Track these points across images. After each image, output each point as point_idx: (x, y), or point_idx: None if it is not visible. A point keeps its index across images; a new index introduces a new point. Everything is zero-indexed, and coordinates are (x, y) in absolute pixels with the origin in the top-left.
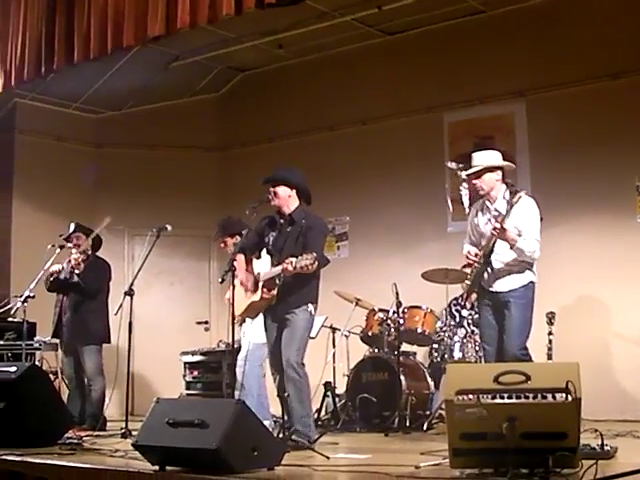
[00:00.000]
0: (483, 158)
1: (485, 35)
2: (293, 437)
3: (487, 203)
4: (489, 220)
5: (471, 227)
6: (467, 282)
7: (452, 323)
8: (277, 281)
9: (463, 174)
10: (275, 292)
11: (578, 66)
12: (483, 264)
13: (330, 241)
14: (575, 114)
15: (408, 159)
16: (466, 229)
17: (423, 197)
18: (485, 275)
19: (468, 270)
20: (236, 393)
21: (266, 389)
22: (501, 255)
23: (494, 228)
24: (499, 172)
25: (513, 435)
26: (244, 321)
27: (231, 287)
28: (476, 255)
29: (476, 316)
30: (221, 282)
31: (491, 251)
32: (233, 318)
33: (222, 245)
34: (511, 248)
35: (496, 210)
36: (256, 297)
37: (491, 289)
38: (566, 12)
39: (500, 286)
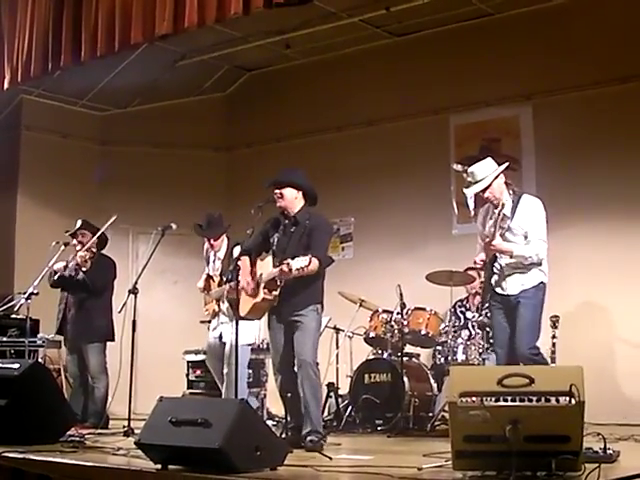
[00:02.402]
0: (483, 170)
1: (493, 38)
2: (310, 438)
3: (492, 207)
4: (493, 225)
5: (479, 234)
6: (480, 287)
7: (456, 325)
8: (278, 282)
9: (470, 191)
10: (277, 293)
11: (585, 70)
12: (489, 269)
13: (335, 242)
14: (582, 118)
15: (414, 161)
16: (471, 231)
17: (428, 199)
18: (495, 278)
19: (472, 273)
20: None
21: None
22: (506, 258)
23: (486, 243)
24: (502, 176)
25: (516, 438)
26: (216, 315)
27: (204, 277)
28: (483, 262)
29: (480, 318)
30: (226, 281)
31: (494, 258)
32: (237, 320)
33: (215, 241)
34: (511, 258)
35: (504, 214)
36: (258, 298)
37: (503, 292)
38: (574, 16)
39: (511, 288)
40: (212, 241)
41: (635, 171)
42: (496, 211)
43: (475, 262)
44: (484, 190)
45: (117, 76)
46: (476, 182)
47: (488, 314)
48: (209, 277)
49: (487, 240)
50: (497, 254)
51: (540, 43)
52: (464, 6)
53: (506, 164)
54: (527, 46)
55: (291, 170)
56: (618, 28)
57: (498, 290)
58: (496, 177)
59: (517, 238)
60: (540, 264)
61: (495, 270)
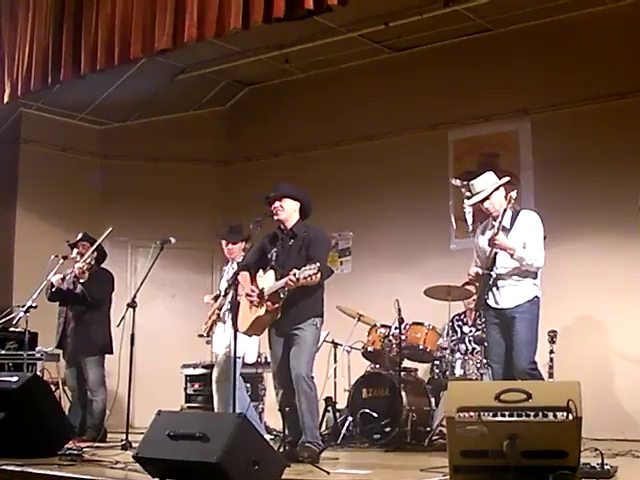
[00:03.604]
0: (483, 182)
1: (491, 53)
2: (306, 446)
3: (491, 221)
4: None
5: (476, 248)
6: (473, 299)
7: (453, 338)
8: (281, 295)
9: (470, 202)
10: (279, 306)
11: (583, 85)
12: (486, 279)
13: (333, 256)
14: (580, 133)
15: (412, 176)
16: (469, 246)
17: (427, 214)
18: (490, 292)
19: (470, 288)
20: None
21: (249, 403)
22: (503, 268)
23: (490, 238)
24: (502, 189)
25: (514, 453)
26: (214, 325)
27: (213, 295)
28: (476, 274)
29: (477, 333)
30: (224, 295)
31: (493, 264)
32: (236, 332)
33: (234, 245)
34: (511, 257)
35: (503, 226)
36: (261, 312)
37: (497, 306)
38: (572, 31)
39: (506, 302)
40: (230, 245)
41: (633, 186)
42: (495, 223)
43: (469, 274)
44: (483, 201)
45: (116, 90)
46: (476, 194)
47: (483, 328)
48: (216, 298)
49: (491, 236)
50: (494, 265)
51: (538, 58)
52: (463, 21)
53: (507, 178)
54: (525, 61)
55: (286, 184)
56: (616, 44)
57: (492, 304)
58: (496, 189)
59: None
60: (536, 275)
61: (489, 282)
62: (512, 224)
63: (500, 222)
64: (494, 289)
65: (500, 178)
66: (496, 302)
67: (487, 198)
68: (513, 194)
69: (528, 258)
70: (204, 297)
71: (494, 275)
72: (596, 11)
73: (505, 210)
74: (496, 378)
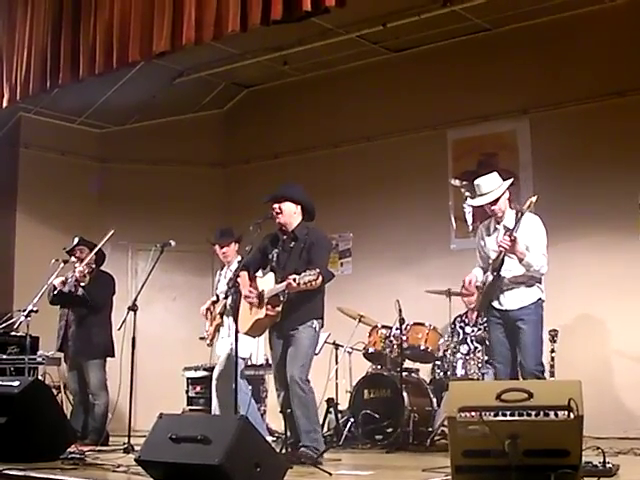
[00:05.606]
0: (490, 183)
1: (490, 53)
2: (302, 451)
3: (494, 223)
4: (497, 238)
5: (479, 249)
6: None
7: (455, 340)
8: (281, 298)
9: (476, 203)
10: (279, 309)
11: (582, 84)
12: (494, 281)
13: (333, 257)
14: (579, 131)
15: (412, 176)
16: (469, 246)
17: (427, 214)
18: (492, 293)
19: (466, 299)
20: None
21: (254, 406)
22: (509, 271)
23: (502, 241)
24: (507, 191)
25: (515, 452)
26: (217, 330)
27: (208, 303)
28: (469, 283)
29: (479, 332)
30: (224, 298)
31: (501, 266)
32: (236, 333)
33: (227, 247)
34: (520, 262)
35: (505, 227)
36: (261, 314)
37: (501, 308)
38: (570, 30)
39: (510, 304)
40: (225, 248)
41: (633, 185)
42: (499, 227)
43: (465, 282)
44: (492, 203)
45: (115, 93)
46: (482, 195)
47: (485, 327)
48: (214, 303)
49: (508, 240)
50: (501, 267)
51: (537, 58)
52: (461, 22)
53: (511, 179)
54: (524, 61)
55: (289, 185)
56: (615, 42)
57: (496, 305)
58: (504, 192)
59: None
60: (540, 280)
61: (498, 284)
62: (516, 226)
63: (515, 227)
64: (498, 290)
65: (504, 179)
66: (500, 304)
67: (497, 200)
68: (533, 199)
69: (535, 264)
70: (200, 308)
71: (502, 277)
72: (594, 10)
73: (518, 213)
74: (500, 377)
